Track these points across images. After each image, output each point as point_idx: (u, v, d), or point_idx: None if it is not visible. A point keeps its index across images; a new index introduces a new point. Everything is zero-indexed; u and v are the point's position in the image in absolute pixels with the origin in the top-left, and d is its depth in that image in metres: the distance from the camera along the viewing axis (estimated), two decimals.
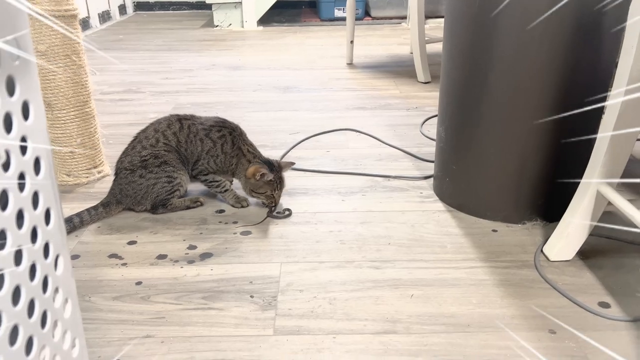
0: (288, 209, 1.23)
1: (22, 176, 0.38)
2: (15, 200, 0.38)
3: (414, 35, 2.21)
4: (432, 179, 1.36)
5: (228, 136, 1.25)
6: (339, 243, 1.11)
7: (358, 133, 1.70)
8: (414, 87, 2.19)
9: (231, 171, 1.26)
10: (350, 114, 1.88)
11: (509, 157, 1.12)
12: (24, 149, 0.38)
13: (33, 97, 0.39)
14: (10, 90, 0.37)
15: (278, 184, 1.22)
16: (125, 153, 1.24)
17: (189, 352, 0.82)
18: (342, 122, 1.80)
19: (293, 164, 1.30)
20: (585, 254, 1.04)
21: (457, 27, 1.13)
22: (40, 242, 0.43)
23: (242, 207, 1.26)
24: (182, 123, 1.25)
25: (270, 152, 1.56)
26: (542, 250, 1.06)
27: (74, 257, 1.08)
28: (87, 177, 1.38)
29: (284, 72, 2.47)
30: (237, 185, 1.30)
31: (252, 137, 1.67)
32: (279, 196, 1.24)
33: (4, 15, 0.35)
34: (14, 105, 0.37)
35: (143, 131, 1.25)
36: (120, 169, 1.22)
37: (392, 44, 3.02)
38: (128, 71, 2.50)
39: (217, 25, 3.55)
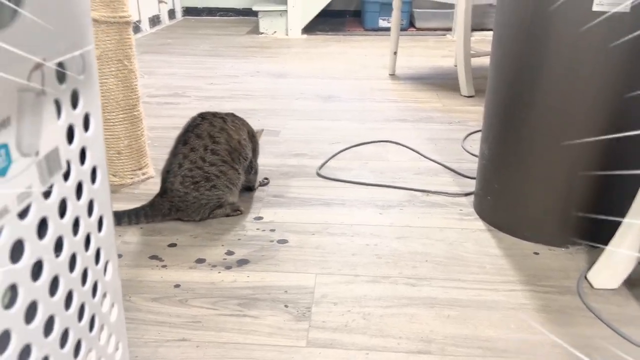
0: (266, 178, 1.44)
1: (79, 185, 0.40)
2: (73, 208, 0.39)
3: (459, 48, 2.18)
4: (472, 196, 1.34)
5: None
6: (375, 257, 1.10)
7: (398, 145, 1.69)
8: (457, 101, 2.16)
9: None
10: (391, 126, 1.87)
11: (555, 178, 1.09)
12: (82, 159, 0.40)
13: (94, 109, 0.40)
14: (74, 103, 0.39)
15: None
16: (172, 172, 1.19)
17: (223, 359, 0.83)
18: (382, 133, 1.79)
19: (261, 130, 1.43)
20: (633, 283, 1.00)
21: (506, 40, 1.11)
22: (93, 248, 0.45)
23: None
24: (225, 119, 1.27)
25: (309, 162, 1.57)
26: (585, 277, 1.03)
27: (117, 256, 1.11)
28: (132, 178, 1.43)
29: (326, 81, 2.49)
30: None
31: (291, 145, 1.70)
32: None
33: (71, 31, 0.37)
34: (77, 118, 0.38)
35: (184, 143, 1.21)
36: (172, 190, 1.19)
37: (436, 56, 2.99)
38: (175, 75, 2.57)
39: (262, 33, 3.61)
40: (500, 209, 1.20)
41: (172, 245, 1.15)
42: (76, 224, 0.41)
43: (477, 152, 1.60)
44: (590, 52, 0.98)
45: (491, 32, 3.66)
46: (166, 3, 4.12)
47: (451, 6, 3.37)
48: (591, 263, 1.04)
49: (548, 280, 1.02)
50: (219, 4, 4.39)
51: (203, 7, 4.42)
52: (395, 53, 2.54)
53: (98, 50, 1.29)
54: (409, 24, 3.75)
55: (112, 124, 1.36)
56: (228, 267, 1.07)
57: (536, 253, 1.11)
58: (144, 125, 1.44)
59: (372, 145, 1.70)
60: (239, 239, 1.17)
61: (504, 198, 1.18)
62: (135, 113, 1.39)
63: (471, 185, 1.40)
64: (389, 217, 1.26)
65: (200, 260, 1.09)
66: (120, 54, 1.32)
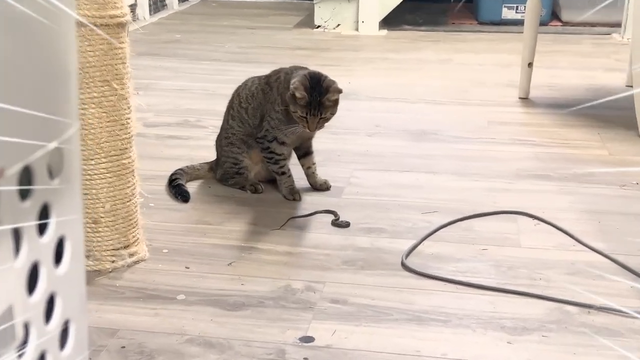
0: (347, 222, 1.62)
1: (42, 357, 0.38)
2: None
3: (637, 57, 2.12)
4: None
5: (283, 76, 1.71)
6: None
7: (537, 221, 1.63)
8: (634, 147, 2.09)
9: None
10: (523, 186, 1.83)
11: None
12: (48, 313, 0.38)
13: (71, 230, 0.39)
14: (42, 227, 0.37)
15: (315, 108, 1.60)
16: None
17: None
18: (509, 199, 1.75)
19: (341, 91, 1.66)
20: None
21: None
22: None
23: (295, 199, 1.74)
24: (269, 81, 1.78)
25: (389, 243, 1.53)
26: None
27: None
28: (113, 261, 1.43)
29: (417, 106, 2.49)
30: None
31: (360, 212, 1.67)
32: (315, 124, 1.62)
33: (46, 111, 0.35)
34: (44, 250, 0.37)
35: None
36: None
37: (595, 69, 2.96)
38: (186, 92, 2.64)
39: (318, 26, 3.69)
40: None
41: None
42: None
43: None
44: None
45: None
46: None
47: None
48: None
49: None
50: None
51: None
52: (530, 65, 2.51)
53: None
54: (551, 15, 3.73)
55: (89, 177, 1.37)
56: None
57: None
58: (135, 179, 1.45)
59: (494, 218, 1.65)
60: None
61: None
62: (124, 161, 1.41)
63: None
64: (524, 350, 1.20)
65: None
66: (108, 72, 1.35)
